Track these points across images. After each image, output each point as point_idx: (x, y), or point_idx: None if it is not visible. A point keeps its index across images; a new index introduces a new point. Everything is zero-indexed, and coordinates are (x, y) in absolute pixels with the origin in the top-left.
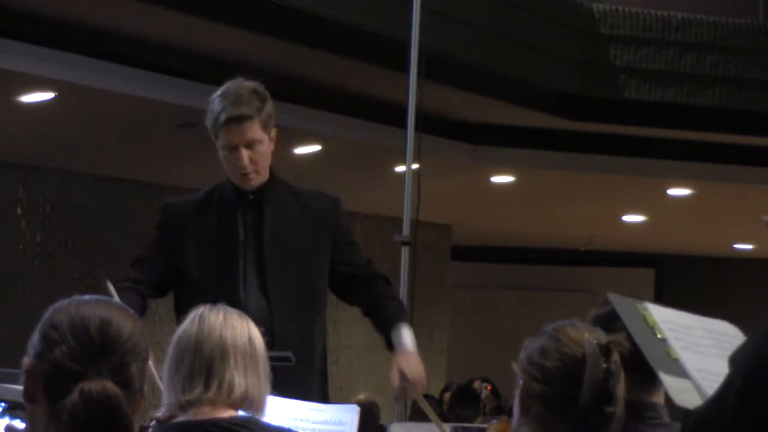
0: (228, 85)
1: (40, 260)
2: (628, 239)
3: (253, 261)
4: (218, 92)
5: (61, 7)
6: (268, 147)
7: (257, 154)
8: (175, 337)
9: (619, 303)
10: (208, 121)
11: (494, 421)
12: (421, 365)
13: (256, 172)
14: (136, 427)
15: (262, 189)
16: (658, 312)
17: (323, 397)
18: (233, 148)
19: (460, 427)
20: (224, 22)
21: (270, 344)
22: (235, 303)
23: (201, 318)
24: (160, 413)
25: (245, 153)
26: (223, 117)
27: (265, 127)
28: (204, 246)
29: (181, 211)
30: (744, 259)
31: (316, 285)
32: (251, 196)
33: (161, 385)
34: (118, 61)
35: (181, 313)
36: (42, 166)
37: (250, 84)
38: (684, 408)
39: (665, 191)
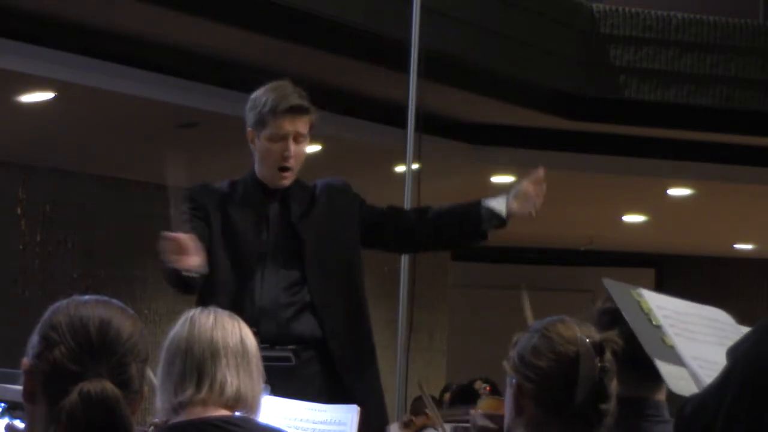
0: (275, 83)
1: (40, 260)
2: (628, 239)
3: (274, 259)
4: (264, 88)
5: (61, 7)
6: (306, 148)
7: (300, 150)
8: (166, 341)
9: (615, 289)
10: (255, 111)
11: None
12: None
13: (293, 169)
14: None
15: (281, 191)
16: (652, 298)
17: (377, 375)
18: (282, 138)
19: (460, 428)
20: (224, 22)
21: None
22: (252, 301)
23: (191, 320)
24: (158, 419)
25: (293, 144)
26: (284, 105)
27: (311, 128)
28: (229, 242)
29: (209, 198)
30: (744, 259)
31: (354, 269)
32: (276, 194)
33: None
34: (118, 61)
35: (203, 303)
36: (42, 166)
37: (296, 87)
38: (681, 395)
39: (665, 191)
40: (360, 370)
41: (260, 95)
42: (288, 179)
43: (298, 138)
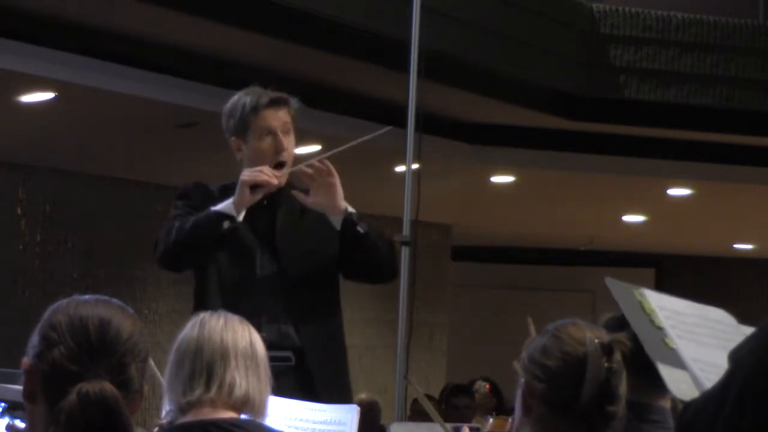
0: (244, 90)
1: (40, 260)
2: (628, 239)
3: (268, 266)
4: (234, 97)
5: (61, 7)
6: (294, 142)
7: (290, 145)
8: (175, 343)
9: (617, 288)
10: (234, 118)
11: (490, 417)
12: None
13: (288, 163)
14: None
15: (274, 194)
16: (654, 299)
17: (349, 390)
18: (272, 133)
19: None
20: (224, 22)
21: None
22: (251, 307)
23: (201, 323)
24: (164, 420)
25: (283, 137)
26: (264, 100)
27: (294, 121)
28: (224, 247)
29: (204, 200)
30: (744, 259)
31: (331, 283)
32: (265, 201)
33: (162, 380)
34: (118, 61)
35: (198, 307)
36: (42, 166)
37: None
38: (681, 399)
39: (665, 191)
40: (330, 380)
41: (235, 102)
42: (282, 178)
43: (285, 129)
